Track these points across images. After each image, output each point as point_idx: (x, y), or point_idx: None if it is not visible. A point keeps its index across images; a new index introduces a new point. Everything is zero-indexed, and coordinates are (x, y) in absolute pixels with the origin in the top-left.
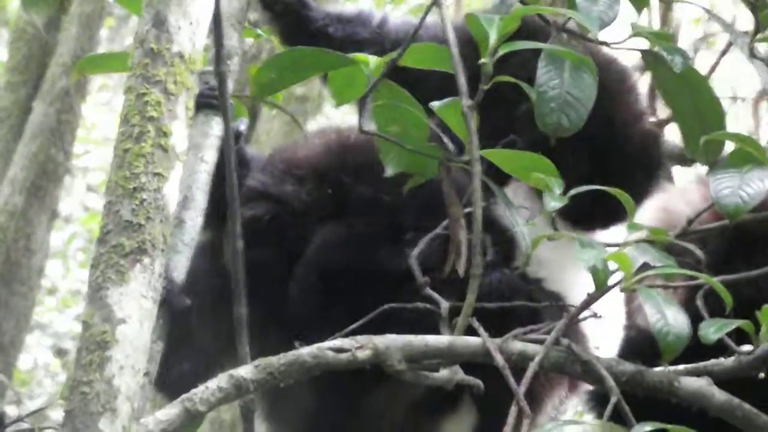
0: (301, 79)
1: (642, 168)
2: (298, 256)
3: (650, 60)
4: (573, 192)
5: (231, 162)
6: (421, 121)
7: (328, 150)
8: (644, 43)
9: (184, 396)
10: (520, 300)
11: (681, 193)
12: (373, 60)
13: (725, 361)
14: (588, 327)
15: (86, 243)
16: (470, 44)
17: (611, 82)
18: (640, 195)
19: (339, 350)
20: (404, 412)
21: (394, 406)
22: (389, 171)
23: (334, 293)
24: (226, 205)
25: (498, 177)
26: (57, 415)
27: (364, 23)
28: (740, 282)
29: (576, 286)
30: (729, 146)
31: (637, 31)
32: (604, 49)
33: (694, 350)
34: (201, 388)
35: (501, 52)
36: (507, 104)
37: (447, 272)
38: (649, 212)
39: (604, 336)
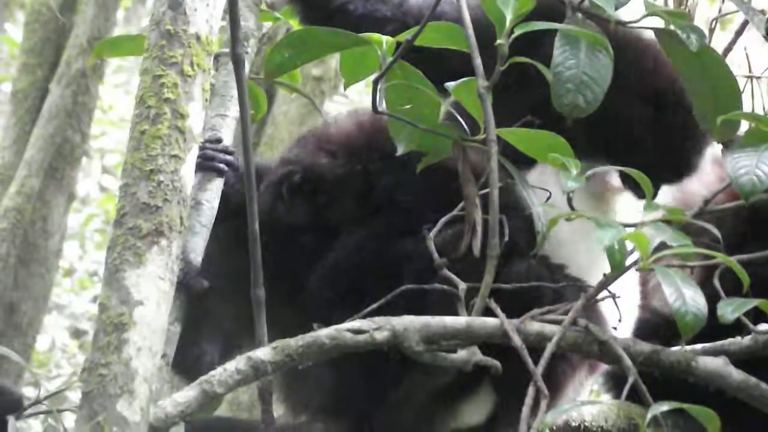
0: (314, 58)
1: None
2: (326, 225)
3: (665, 39)
4: (590, 172)
5: (248, 144)
6: (434, 101)
7: (360, 129)
8: (660, 23)
9: (202, 378)
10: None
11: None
12: (385, 40)
13: (742, 341)
14: (606, 307)
15: (103, 224)
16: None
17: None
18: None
19: (357, 331)
20: (424, 397)
21: (414, 391)
22: (401, 149)
23: (356, 288)
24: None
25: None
26: (75, 396)
27: (384, 0)
28: (757, 262)
29: (597, 268)
30: (744, 125)
31: (651, 11)
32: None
33: (711, 329)
34: (219, 370)
35: (517, 33)
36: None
37: (462, 252)
38: (665, 193)
39: (621, 316)
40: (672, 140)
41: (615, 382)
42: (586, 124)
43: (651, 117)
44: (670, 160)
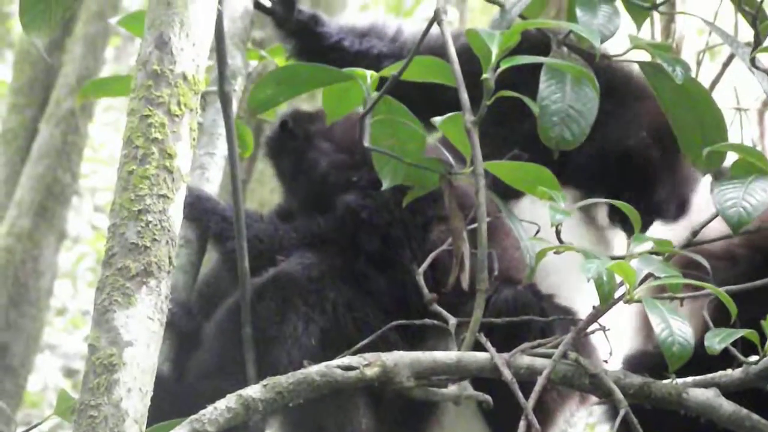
0: (298, 94)
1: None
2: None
3: (650, 71)
4: (580, 204)
5: (237, 181)
6: (419, 135)
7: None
8: (645, 56)
9: (192, 417)
10: (533, 316)
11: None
12: (369, 74)
13: (732, 372)
14: (596, 339)
15: (95, 263)
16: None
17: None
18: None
19: (347, 368)
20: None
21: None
22: (386, 184)
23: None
24: None
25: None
26: None
27: (379, 35)
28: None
29: (587, 299)
30: (731, 156)
31: (636, 44)
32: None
33: (703, 361)
34: (210, 408)
35: (503, 67)
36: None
37: (450, 286)
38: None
39: (612, 348)
40: (662, 178)
41: (612, 415)
42: (576, 158)
43: (644, 154)
44: (662, 197)
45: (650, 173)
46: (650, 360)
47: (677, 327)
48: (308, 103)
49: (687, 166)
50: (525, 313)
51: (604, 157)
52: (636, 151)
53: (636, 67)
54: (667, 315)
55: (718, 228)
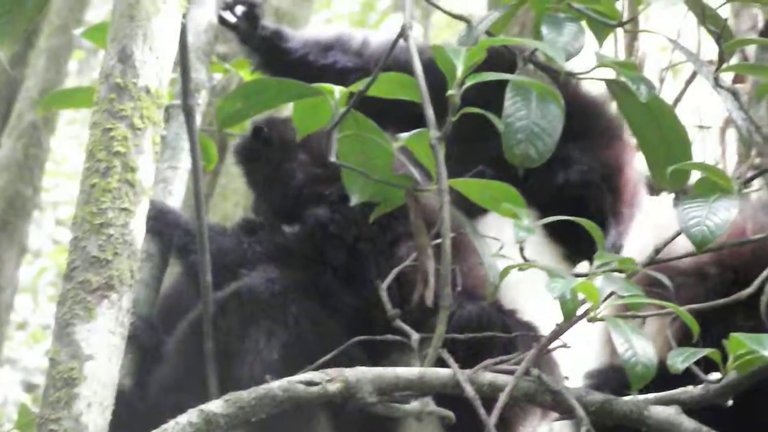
0: (267, 108)
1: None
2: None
3: (615, 89)
4: (542, 221)
5: (200, 195)
6: (387, 151)
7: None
8: (610, 74)
9: None
10: (495, 331)
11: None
12: (338, 90)
13: (694, 390)
14: (559, 356)
15: (56, 277)
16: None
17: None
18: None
19: (310, 383)
20: None
21: None
22: (354, 200)
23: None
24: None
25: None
26: None
27: (344, 49)
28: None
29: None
30: (695, 174)
31: (602, 62)
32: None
33: (666, 378)
34: (171, 423)
35: (468, 83)
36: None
37: (416, 302)
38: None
39: (575, 364)
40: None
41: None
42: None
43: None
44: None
45: (599, 218)
46: (612, 377)
47: (640, 347)
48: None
49: (629, 214)
50: (488, 330)
51: (563, 191)
52: (592, 196)
53: (603, 93)
54: (631, 335)
55: (684, 244)
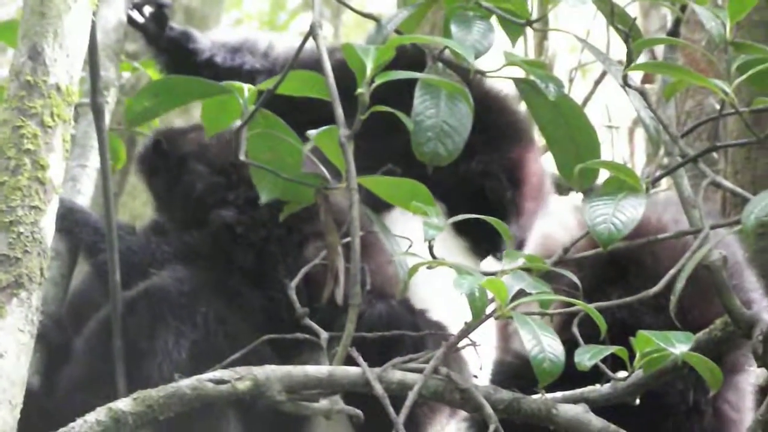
0: (175, 106)
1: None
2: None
3: (524, 88)
4: (452, 220)
5: (109, 194)
6: (296, 149)
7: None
8: (519, 72)
9: (62, 430)
10: (405, 330)
11: (559, 221)
12: (247, 88)
13: (601, 388)
14: (468, 354)
15: None
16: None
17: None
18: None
19: (219, 381)
20: None
21: None
22: (263, 198)
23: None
24: None
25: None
26: None
27: (251, 51)
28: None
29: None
30: (604, 173)
31: (510, 60)
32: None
33: (572, 377)
34: (79, 421)
35: (378, 82)
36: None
37: (325, 301)
38: (530, 240)
39: (482, 363)
40: (510, 218)
41: (477, 429)
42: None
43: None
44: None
45: (501, 210)
46: (517, 374)
47: (548, 343)
48: (181, 117)
49: (532, 209)
50: (397, 328)
51: (464, 181)
52: (492, 187)
53: (512, 93)
54: (538, 331)
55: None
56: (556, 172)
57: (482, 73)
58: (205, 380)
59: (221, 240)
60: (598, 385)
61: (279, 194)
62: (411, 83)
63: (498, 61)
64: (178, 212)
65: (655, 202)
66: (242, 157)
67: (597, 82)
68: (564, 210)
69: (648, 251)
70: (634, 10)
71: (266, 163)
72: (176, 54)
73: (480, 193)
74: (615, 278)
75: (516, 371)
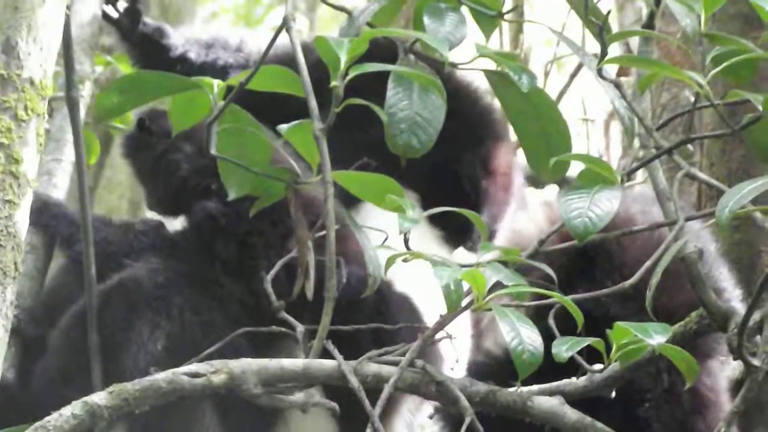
0: (145, 102)
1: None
2: None
3: (495, 80)
4: (427, 213)
5: (84, 187)
6: (265, 144)
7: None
8: (491, 64)
9: (37, 424)
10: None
11: (528, 216)
12: (217, 83)
13: (577, 381)
14: (444, 347)
15: None
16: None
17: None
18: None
19: (194, 375)
20: None
21: None
22: (232, 194)
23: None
24: None
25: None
26: None
27: (224, 46)
28: (588, 300)
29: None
30: (576, 166)
31: (483, 52)
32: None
33: (546, 369)
34: (55, 415)
35: (352, 75)
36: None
37: (296, 295)
38: (500, 233)
39: (458, 356)
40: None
41: (451, 422)
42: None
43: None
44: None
45: (473, 199)
46: (491, 369)
47: (527, 335)
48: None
49: (504, 199)
50: (387, 315)
51: (437, 171)
52: (465, 177)
53: (484, 83)
54: (517, 323)
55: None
56: (527, 165)
57: (455, 65)
58: (180, 374)
59: (203, 231)
60: (574, 378)
61: (248, 190)
62: (384, 76)
63: (471, 53)
64: (162, 193)
65: (624, 194)
66: (213, 152)
67: (572, 75)
68: (533, 205)
69: (615, 241)
70: (609, 4)
71: (235, 159)
72: (150, 49)
73: (452, 182)
74: (583, 270)
75: (489, 371)
